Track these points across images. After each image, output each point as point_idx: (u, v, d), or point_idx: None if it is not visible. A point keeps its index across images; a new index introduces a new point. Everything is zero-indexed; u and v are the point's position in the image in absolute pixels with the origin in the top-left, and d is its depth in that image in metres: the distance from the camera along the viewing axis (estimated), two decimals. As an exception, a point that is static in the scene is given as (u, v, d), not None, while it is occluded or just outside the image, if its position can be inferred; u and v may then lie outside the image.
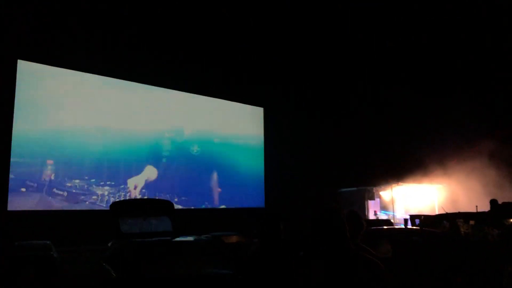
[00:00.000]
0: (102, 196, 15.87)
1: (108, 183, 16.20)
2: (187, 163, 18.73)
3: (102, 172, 16.17)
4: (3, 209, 13.44)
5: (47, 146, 14.78)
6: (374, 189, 18.63)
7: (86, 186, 15.55)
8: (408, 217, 12.71)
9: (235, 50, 19.43)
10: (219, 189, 19.65)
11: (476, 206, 10.63)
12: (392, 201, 17.46)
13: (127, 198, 16.01)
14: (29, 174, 14.33)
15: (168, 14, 17.43)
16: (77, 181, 15.37)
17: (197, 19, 18.24)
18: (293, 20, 19.46)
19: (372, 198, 18.75)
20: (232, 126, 20.57)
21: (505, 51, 17.01)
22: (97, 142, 16.02)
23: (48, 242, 9.09)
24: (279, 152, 21.11)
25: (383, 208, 18.27)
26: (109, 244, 6.58)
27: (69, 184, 15.16)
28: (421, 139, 17.37)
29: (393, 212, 17.22)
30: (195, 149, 19.07)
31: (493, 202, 9.71)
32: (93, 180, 15.79)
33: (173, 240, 6.14)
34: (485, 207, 10.09)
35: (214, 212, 18.80)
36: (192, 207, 18.37)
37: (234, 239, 11.37)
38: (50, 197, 14.62)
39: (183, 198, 18.22)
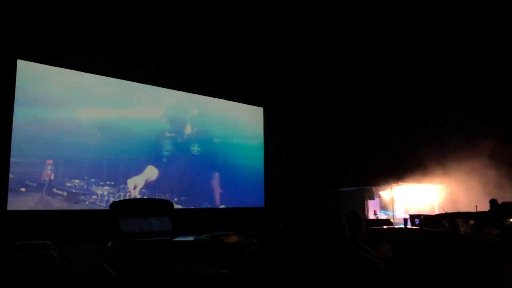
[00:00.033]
0: (102, 196, 15.86)
1: (108, 183, 16.19)
2: (187, 163, 18.74)
3: (102, 172, 16.16)
4: (3, 209, 13.42)
5: (47, 146, 14.76)
6: (374, 188, 18.64)
7: (85, 186, 15.54)
8: (408, 217, 12.68)
9: (235, 50, 19.42)
10: (219, 189, 19.66)
11: (476, 206, 10.66)
12: (392, 201, 17.46)
13: (127, 198, 16.01)
14: (29, 174, 14.31)
15: (168, 14, 17.41)
16: (76, 181, 15.36)
17: (197, 19, 18.23)
18: (293, 20, 19.44)
19: (372, 198, 18.75)
20: (232, 126, 20.57)
21: (505, 51, 17.00)
22: (97, 142, 16.02)
23: (48, 242, 9.08)
24: (279, 152, 21.09)
25: (383, 208, 18.28)
26: (109, 244, 6.59)
27: (68, 184, 15.15)
28: (421, 139, 17.37)
29: (393, 212, 17.22)
30: (195, 149, 19.08)
31: (493, 202, 9.71)
32: (93, 180, 15.78)
33: (173, 240, 6.16)
34: (485, 207, 10.09)
35: (214, 212, 18.79)
36: (192, 207, 18.38)
37: (233, 239, 11.37)
38: (49, 197, 14.61)
39: (183, 198, 18.23)
